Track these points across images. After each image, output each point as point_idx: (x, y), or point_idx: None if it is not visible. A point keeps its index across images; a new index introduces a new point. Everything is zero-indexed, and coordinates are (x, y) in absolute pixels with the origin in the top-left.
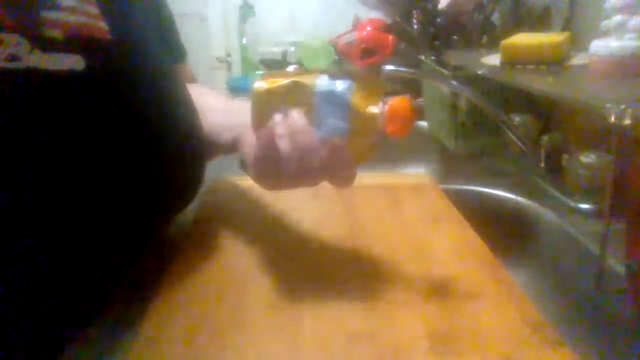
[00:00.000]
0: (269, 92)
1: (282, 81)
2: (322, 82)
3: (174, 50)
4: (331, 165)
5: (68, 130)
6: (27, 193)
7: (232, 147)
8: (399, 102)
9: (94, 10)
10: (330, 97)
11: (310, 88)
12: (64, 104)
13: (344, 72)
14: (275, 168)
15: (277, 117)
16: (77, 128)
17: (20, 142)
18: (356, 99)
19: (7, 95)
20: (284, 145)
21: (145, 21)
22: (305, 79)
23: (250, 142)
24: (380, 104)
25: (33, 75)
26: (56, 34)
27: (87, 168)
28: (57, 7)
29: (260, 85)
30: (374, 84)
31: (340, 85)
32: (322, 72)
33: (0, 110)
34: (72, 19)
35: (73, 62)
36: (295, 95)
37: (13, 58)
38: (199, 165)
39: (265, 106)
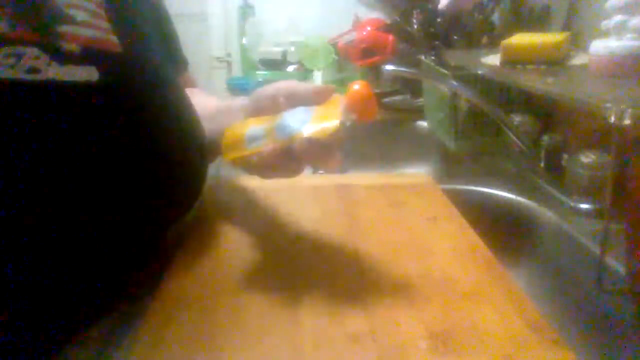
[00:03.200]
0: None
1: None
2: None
3: (177, 60)
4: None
5: (83, 138)
6: (40, 198)
7: (215, 151)
8: (358, 85)
9: (105, 24)
10: (296, 111)
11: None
12: (80, 114)
13: None
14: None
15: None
16: (91, 136)
17: (39, 151)
18: (320, 108)
19: (27, 106)
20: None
21: (151, 34)
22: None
23: None
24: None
25: (51, 87)
26: (73, 47)
27: (97, 175)
28: (73, 22)
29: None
30: (336, 102)
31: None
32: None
33: (21, 121)
34: (87, 32)
35: (88, 73)
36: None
37: (33, 70)
38: (200, 173)
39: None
